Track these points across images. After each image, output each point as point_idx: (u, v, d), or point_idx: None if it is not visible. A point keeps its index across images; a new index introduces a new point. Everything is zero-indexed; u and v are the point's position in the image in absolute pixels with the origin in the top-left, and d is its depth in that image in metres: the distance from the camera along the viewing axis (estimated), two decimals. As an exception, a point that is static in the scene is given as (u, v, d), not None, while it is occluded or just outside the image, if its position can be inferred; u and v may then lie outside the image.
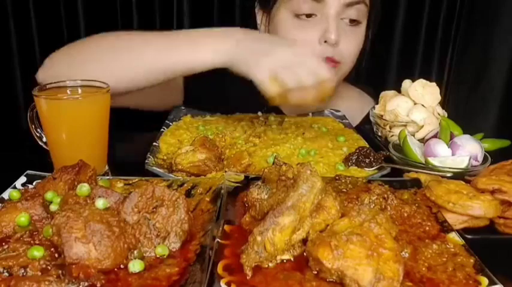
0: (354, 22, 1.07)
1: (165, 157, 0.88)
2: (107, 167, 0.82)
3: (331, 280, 0.48)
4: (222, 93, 1.21)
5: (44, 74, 0.95)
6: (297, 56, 0.87)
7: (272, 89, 0.85)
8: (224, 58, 0.88)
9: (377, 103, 1.20)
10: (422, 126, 0.96)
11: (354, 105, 1.24)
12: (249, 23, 1.19)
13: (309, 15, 1.05)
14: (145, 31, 0.98)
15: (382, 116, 1.02)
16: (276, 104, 0.89)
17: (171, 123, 1.06)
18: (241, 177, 0.72)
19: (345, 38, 1.06)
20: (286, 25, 1.08)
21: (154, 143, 0.92)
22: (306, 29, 1.06)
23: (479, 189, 0.67)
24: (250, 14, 1.21)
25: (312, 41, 1.05)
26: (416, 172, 0.79)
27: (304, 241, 0.52)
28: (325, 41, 1.04)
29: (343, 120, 1.13)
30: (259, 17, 1.17)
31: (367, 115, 1.21)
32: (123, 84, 0.91)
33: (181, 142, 0.96)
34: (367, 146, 0.91)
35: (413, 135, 0.94)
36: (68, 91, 0.80)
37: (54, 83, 0.80)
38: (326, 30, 1.03)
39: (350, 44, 1.08)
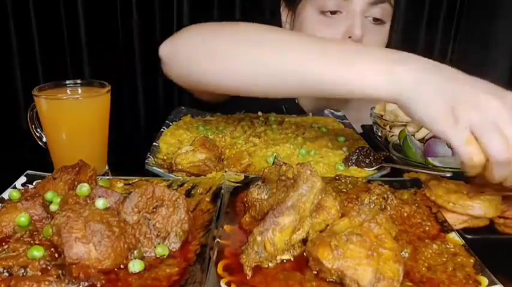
0: (377, 21, 1.08)
1: (165, 157, 0.88)
2: (107, 167, 0.82)
3: (331, 280, 0.48)
4: None
5: (173, 46, 0.85)
6: (503, 110, 0.58)
7: (472, 156, 0.59)
8: (397, 91, 0.63)
9: None
10: (422, 126, 0.96)
11: (366, 105, 1.24)
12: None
13: (333, 12, 1.06)
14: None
15: (382, 116, 1.02)
16: (474, 174, 0.62)
17: (171, 123, 1.06)
18: (241, 177, 0.72)
19: (368, 36, 1.06)
20: (311, 22, 1.10)
21: (154, 143, 0.92)
22: (331, 26, 1.07)
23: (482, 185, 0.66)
24: (251, 14, 1.21)
25: (335, 38, 1.06)
26: (416, 172, 0.79)
27: (304, 241, 0.52)
28: (350, 37, 1.05)
29: (343, 120, 1.13)
30: (284, 15, 1.19)
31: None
32: (254, 86, 0.76)
33: (181, 142, 0.96)
34: (367, 146, 0.91)
35: (413, 135, 0.94)
36: (68, 91, 0.80)
37: (54, 83, 0.80)
38: (351, 26, 1.04)
39: (373, 42, 1.09)
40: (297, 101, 1.25)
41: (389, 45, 1.15)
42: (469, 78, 0.63)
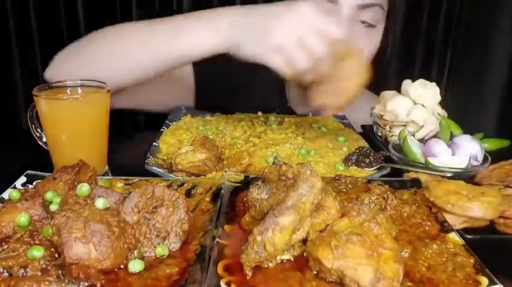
0: (366, 24, 1.07)
1: (165, 157, 0.88)
2: (107, 167, 0.82)
3: (331, 280, 0.48)
4: (235, 94, 1.20)
5: (52, 72, 0.95)
6: (298, 23, 0.78)
7: (286, 72, 0.79)
8: (222, 41, 0.82)
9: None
10: (422, 126, 0.96)
11: (362, 106, 1.23)
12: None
13: None
14: (148, 20, 0.94)
15: (382, 116, 1.02)
16: (296, 83, 0.85)
17: (171, 123, 1.06)
18: (241, 177, 0.72)
19: (358, 40, 1.05)
20: None
21: (154, 143, 0.92)
22: None
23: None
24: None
25: None
26: (416, 172, 0.79)
27: (304, 241, 0.52)
28: None
29: (343, 120, 1.13)
30: None
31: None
32: (133, 75, 0.89)
33: (181, 142, 0.96)
34: (367, 146, 0.91)
35: (413, 135, 0.94)
36: (68, 91, 0.80)
37: (54, 83, 0.80)
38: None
39: (363, 46, 1.07)
40: (288, 104, 1.25)
41: (385, 48, 1.14)
42: (267, 7, 0.81)
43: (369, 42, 1.10)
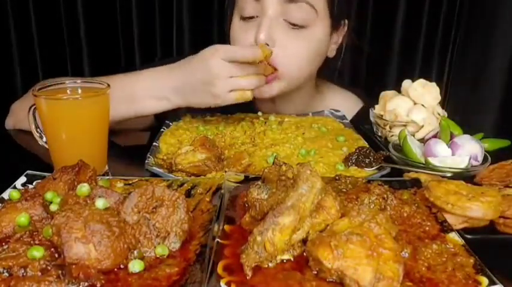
0: (295, 26, 1.02)
1: (165, 157, 0.88)
2: (106, 167, 0.82)
3: (331, 280, 0.48)
4: None
5: (10, 122, 1.08)
6: (221, 64, 0.89)
7: (248, 98, 0.93)
8: (170, 106, 0.97)
9: (365, 104, 1.21)
10: (422, 126, 0.96)
11: (338, 105, 1.22)
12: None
13: (251, 17, 1.04)
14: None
15: (382, 116, 1.02)
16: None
17: (171, 123, 1.06)
18: (241, 177, 0.72)
19: (283, 41, 1.01)
20: (234, 29, 1.08)
21: (154, 143, 0.92)
22: (248, 31, 1.04)
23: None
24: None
25: (249, 44, 1.03)
26: (416, 172, 0.79)
27: (304, 241, 0.52)
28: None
29: (343, 120, 1.13)
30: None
31: (357, 115, 1.22)
32: None
33: (181, 142, 0.96)
34: (367, 146, 0.91)
35: (413, 136, 0.94)
36: (68, 91, 0.80)
37: (54, 82, 0.80)
38: (257, 31, 1.01)
39: (289, 48, 1.02)
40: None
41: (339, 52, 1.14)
42: (200, 63, 0.92)
43: (297, 45, 1.03)
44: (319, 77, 1.23)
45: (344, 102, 1.26)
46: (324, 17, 1.05)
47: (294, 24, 1.02)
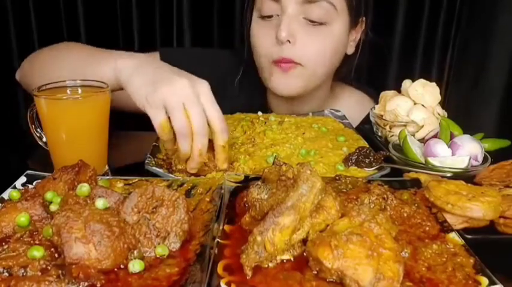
0: (315, 23, 1.04)
1: (165, 157, 0.88)
2: (106, 167, 0.82)
3: (331, 280, 0.48)
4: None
5: (19, 75, 1.07)
6: (190, 92, 0.74)
7: (161, 134, 0.76)
8: (118, 80, 0.83)
9: (377, 104, 1.20)
10: (422, 126, 0.96)
11: (352, 107, 1.23)
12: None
13: (270, 16, 1.06)
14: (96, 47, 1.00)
15: (382, 116, 1.02)
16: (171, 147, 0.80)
17: (171, 123, 1.06)
18: (241, 177, 0.72)
19: (304, 38, 1.03)
20: (253, 28, 1.11)
21: (154, 143, 0.92)
22: (266, 30, 1.07)
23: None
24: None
25: (269, 42, 1.05)
26: (416, 172, 0.79)
27: (304, 241, 0.52)
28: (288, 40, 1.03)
29: (343, 120, 1.13)
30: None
31: (366, 117, 1.22)
32: None
33: (181, 142, 0.96)
34: (367, 146, 0.91)
35: (413, 136, 0.94)
36: (68, 91, 0.80)
37: (54, 83, 0.80)
38: (278, 29, 1.02)
39: (310, 45, 1.05)
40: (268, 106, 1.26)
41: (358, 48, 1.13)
42: (169, 69, 0.80)
43: (317, 41, 1.05)
44: (334, 79, 1.24)
45: (356, 104, 1.26)
46: (343, 14, 1.07)
47: (313, 21, 1.04)
